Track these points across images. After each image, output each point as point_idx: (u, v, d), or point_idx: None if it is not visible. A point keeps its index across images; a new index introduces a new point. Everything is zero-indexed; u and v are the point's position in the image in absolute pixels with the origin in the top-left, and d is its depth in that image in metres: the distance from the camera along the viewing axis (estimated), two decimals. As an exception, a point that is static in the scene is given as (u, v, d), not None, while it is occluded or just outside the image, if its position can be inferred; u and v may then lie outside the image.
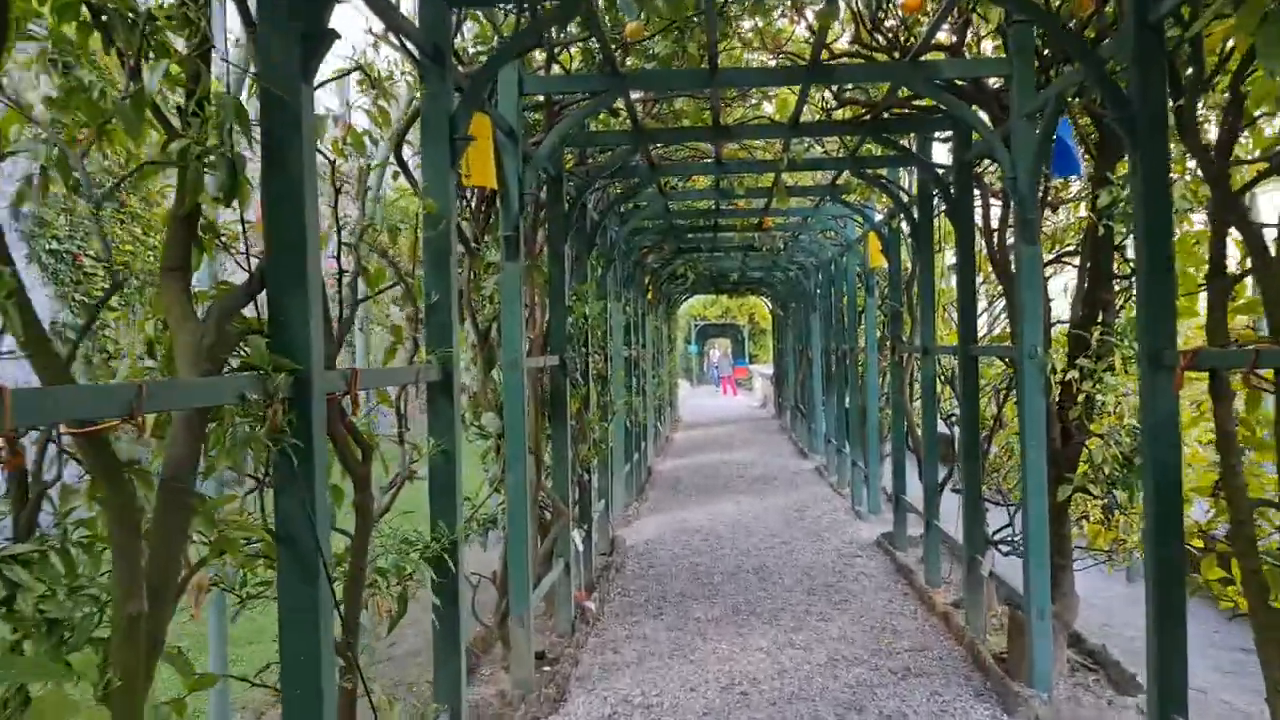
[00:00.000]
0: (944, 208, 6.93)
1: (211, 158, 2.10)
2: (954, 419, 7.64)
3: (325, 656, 2.40)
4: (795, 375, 18.58)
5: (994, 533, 6.26)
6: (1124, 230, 5.04)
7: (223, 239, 2.43)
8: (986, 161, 6.40)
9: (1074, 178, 5.95)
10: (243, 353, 2.25)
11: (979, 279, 6.39)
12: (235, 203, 2.15)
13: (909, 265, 8.64)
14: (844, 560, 8.17)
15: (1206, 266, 3.41)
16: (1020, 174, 4.77)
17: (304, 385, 2.35)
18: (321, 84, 3.04)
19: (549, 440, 6.28)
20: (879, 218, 9.03)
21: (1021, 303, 4.85)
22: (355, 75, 3.59)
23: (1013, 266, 5.69)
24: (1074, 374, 4.85)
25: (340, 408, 2.75)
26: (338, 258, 2.86)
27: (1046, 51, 5.08)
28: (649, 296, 14.18)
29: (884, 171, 7.98)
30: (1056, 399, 5.14)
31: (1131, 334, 4.75)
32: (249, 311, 2.37)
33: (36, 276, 8.76)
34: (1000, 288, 6.95)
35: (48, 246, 8.79)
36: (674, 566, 8.07)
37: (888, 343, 10.37)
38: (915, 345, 8.04)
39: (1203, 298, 3.64)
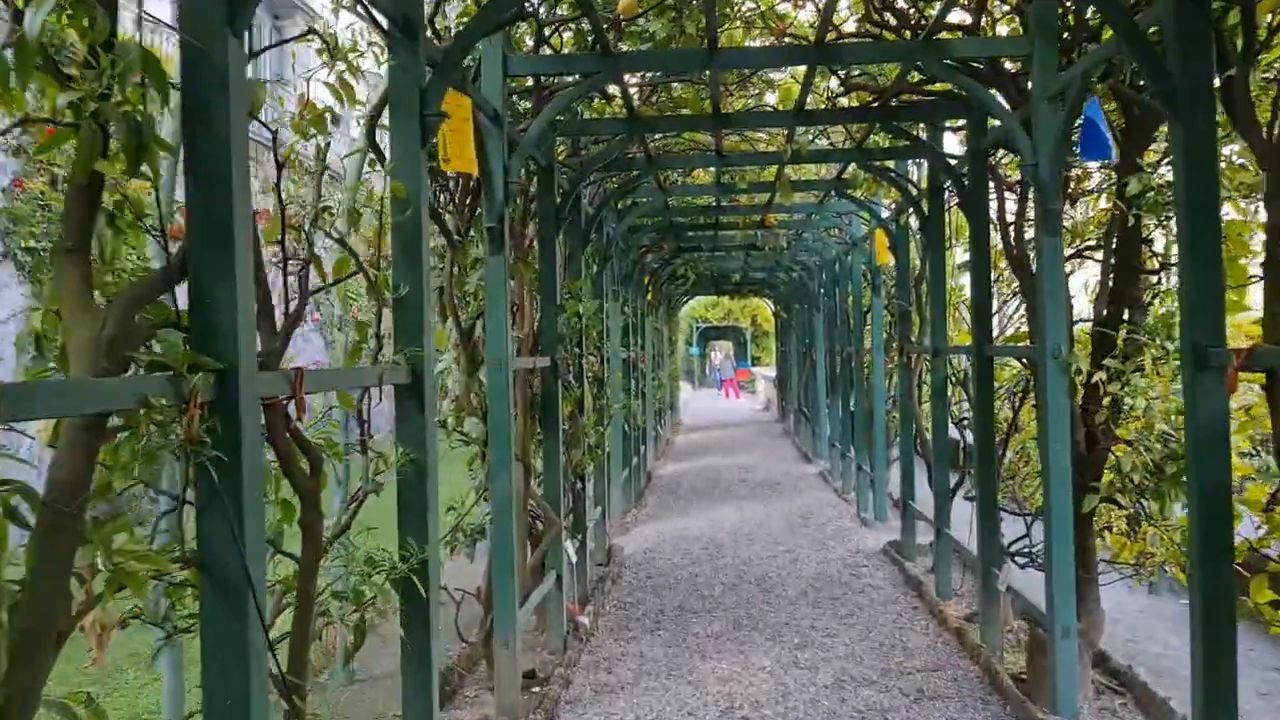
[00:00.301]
0: (956, 200, 6.60)
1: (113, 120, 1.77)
2: (965, 423, 7.31)
3: (256, 700, 2.06)
4: (798, 378, 18.24)
5: (1010, 543, 5.92)
6: (1154, 221, 4.71)
7: (146, 217, 2.09)
8: (1000, 152, 6.07)
9: (1096, 166, 5.64)
10: (154, 349, 1.92)
11: (991, 276, 6.05)
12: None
13: (917, 263, 8.32)
14: (850, 570, 7.83)
15: (1260, 256, 3.08)
16: (1042, 160, 4.44)
17: (230, 388, 2.01)
18: (265, 49, 2.71)
19: (539, 446, 5.95)
20: (886, 214, 8.70)
21: (1043, 299, 4.51)
22: (318, 47, 3.26)
23: (1032, 261, 5.37)
24: (1100, 376, 4.51)
25: (285, 414, 2.42)
26: (281, 243, 2.52)
27: (1066, 35, 4.74)
28: (648, 297, 13.85)
29: (891, 165, 7.64)
30: (1080, 403, 4.80)
31: (1164, 331, 4.41)
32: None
33: (11, 274, 8.44)
34: (1015, 285, 6.62)
35: (23, 244, 8.47)
36: (673, 577, 7.72)
37: (895, 344, 10.03)
38: (925, 346, 7.70)
39: (1255, 292, 3.30)
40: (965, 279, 8.60)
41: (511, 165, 4.65)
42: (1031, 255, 5.50)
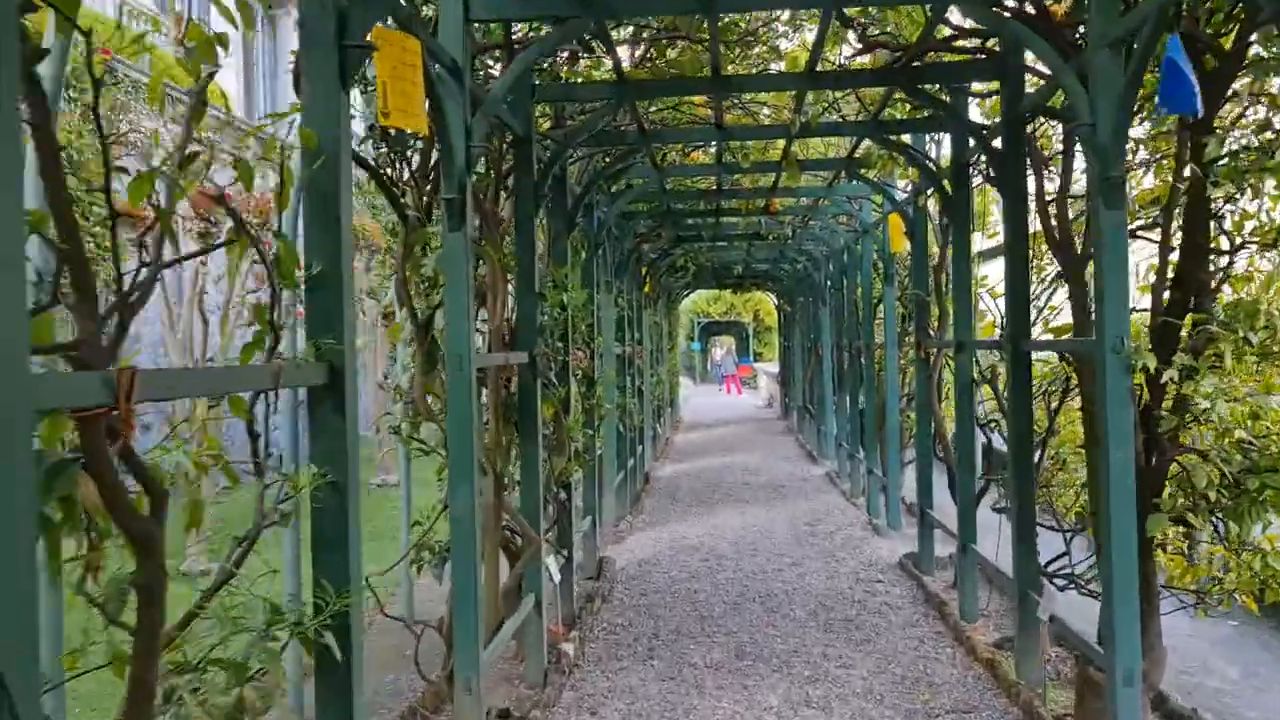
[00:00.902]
0: (985, 177, 5.91)
1: None
2: (992, 424, 6.63)
3: None
4: (803, 374, 17.54)
5: (1046, 563, 5.24)
6: (1228, 192, 4.01)
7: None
8: (1034, 124, 5.37)
9: (1142, 132, 4.95)
10: None
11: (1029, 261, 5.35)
12: None
13: (935, 250, 7.63)
14: (864, 586, 7.14)
15: None
16: (1101, 119, 3.73)
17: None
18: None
19: (517, 453, 5.27)
20: (901, 197, 8.01)
21: (1103, 283, 3.80)
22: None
23: (1077, 242, 4.68)
24: (1171, 373, 3.82)
25: (113, 430, 1.73)
26: (106, 191, 1.83)
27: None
28: (645, 289, 13.16)
29: (909, 139, 6.95)
30: (1141, 405, 4.11)
31: (1247, 321, 3.72)
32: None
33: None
34: (1052, 271, 5.94)
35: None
36: (669, 594, 7.04)
37: (909, 337, 9.34)
38: (946, 340, 7.01)
39: None
40: (987, 267, 7.92)
41: (474, 127, 3.96)
42: (1076, 236, 4.84)
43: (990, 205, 7.26)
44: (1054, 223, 4.78)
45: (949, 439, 7.29)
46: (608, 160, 6.82)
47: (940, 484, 7.36)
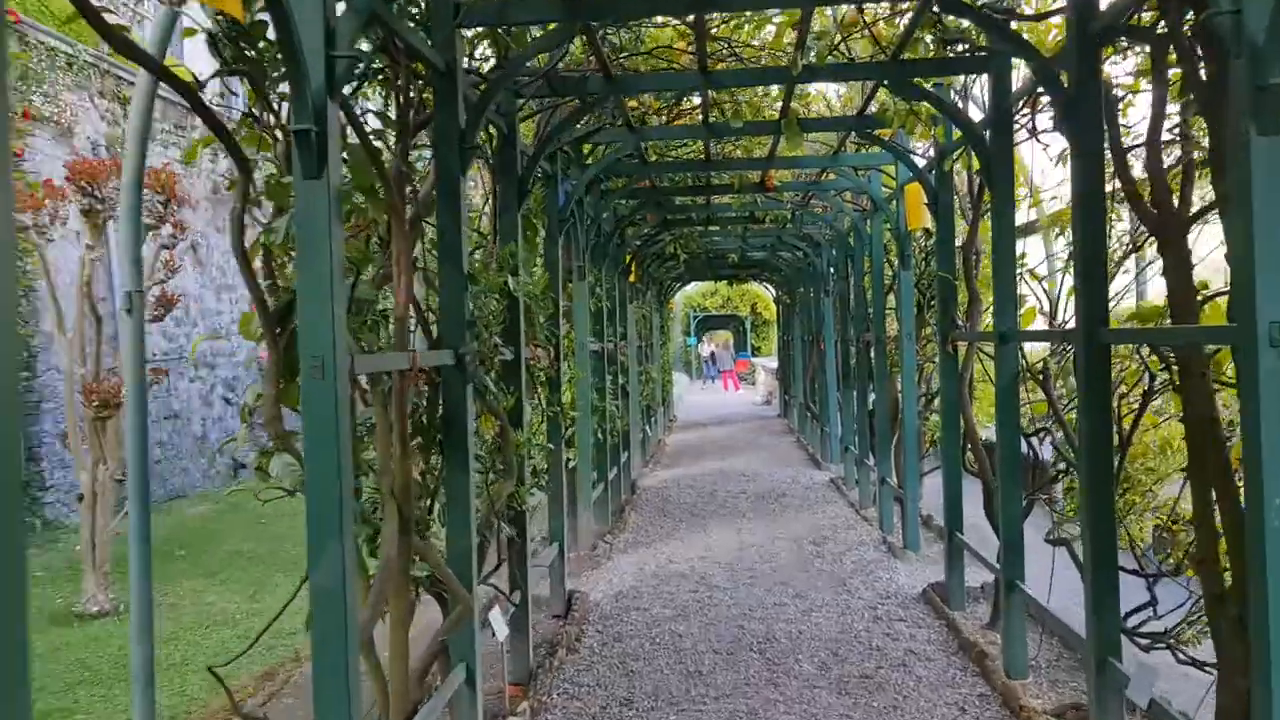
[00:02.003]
0: (1051, 120, 4.73)
1: None
2: (1043, 434, 5.44)
3: None
4: (804, 370, 16.34)
5: (1125, 614, 4.07)
6: None
7: None
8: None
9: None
10: None
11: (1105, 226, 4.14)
12: None
13: (964, 225, 6.45)
14: (883, 627, 5.95)
15: None
16: (1251, 4, 2.54)
17: None
18: None
19: (440, 483, 4.08)
20: (921, 164, 6.81)
21: (1249, 246, 2.60)
22: None
23: (1174, 196, 3.51)
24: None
25: None
26: None
27: None
28: (632, 279, 11.96)
29: (932, 86, 5.74)
30: None
31: None
32: None
33: None
34: (1133, 240, 4.76)
35: None
36: (649, 640, 5.85)
37: (930, 328, 8.15)
38: (981, 331, 5.82)
39: None
40: (1021, 245, 6.76)
41: (341, 28, 2.75)
42: (1174, 190, 3.65)
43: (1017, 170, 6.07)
44: (1148, 175, 3.60)
45: (981, 448, 6.10)
46: (569, 113, 5.59)
47: (973, 502, 6.17)
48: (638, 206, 9.45)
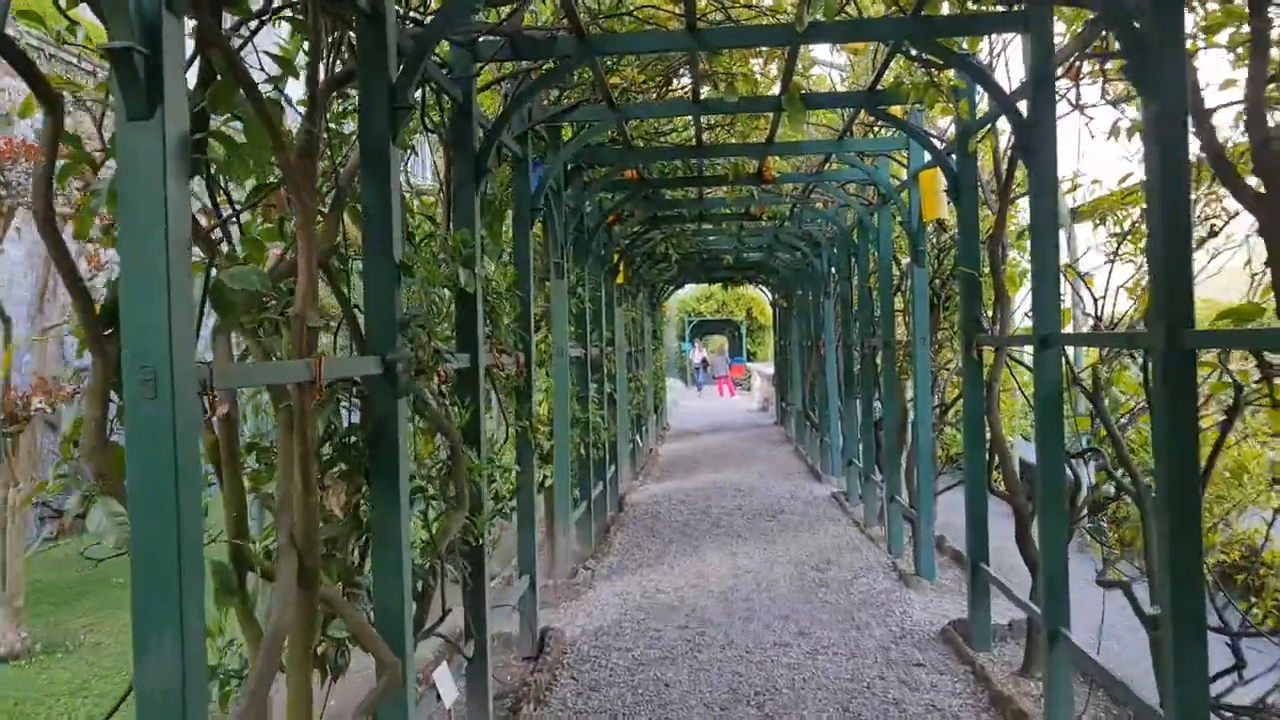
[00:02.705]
0: (1122, 73, 3.99)
1: None
2: (1086, 456, 4.68)
3: None
4: (802, 376, 15.57)
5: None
6: None
7: None
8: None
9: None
10: None
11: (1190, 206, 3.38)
12: None
13: (988, 216, 5.73)
14: (900, 673, 5.19)
15: None
16: None
17: None
18: None
19: (363, 521, 3.32)
20: (936, 145, 6.05)
21: None
22: None
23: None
24: None
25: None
26: None
27: None
28: (620, 280, 11.20)
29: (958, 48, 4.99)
30: None
31: None
32: None
33: None
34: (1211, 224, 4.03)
35: None
36: (631, 690, 5.08)
37: (943, 331, 7.41)
38: (1013, 335, 5.07)
39: None
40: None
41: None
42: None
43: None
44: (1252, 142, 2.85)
45: (1012, 467, 5.35)
46: (536, 77, 4.82)
47: (1000, 529, 5.43)
48: (624, 200, 8.68)
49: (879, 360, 9.34)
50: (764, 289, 22.35)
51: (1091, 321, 4.62)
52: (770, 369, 25.76)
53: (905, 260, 8.48)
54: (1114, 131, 4.30)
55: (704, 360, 37.97)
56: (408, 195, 4.08)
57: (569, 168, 7.53)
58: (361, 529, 3.36)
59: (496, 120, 4.56)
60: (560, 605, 6.72)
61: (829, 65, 8.13)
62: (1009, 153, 5.26)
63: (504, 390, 5.27)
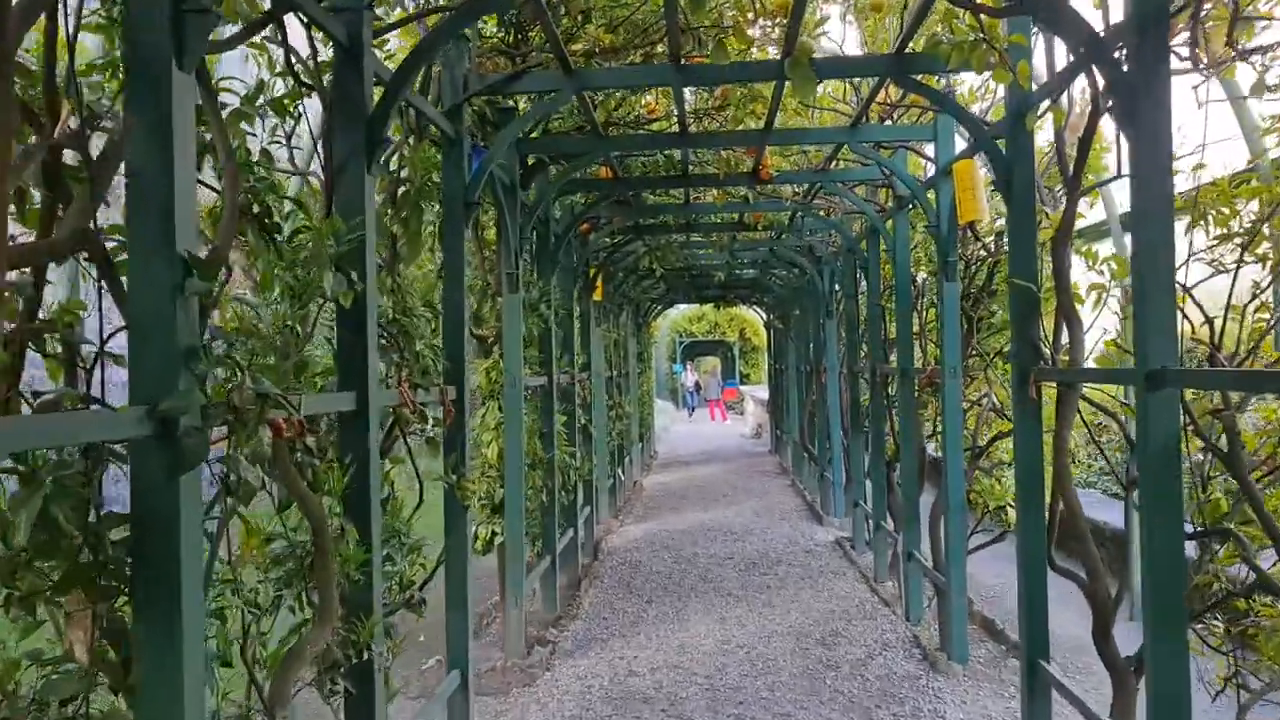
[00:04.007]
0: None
1: None
2: (1220, 536, 3.44)
3: None
4: (800, 404, 14.32)
5: None
6: None
7: None
8: None
9: None
10: None
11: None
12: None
13: (1046, 217, 4.55)
14: (941, 814, 3.93)
15: None
16: None
17: None
18: None
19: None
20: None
21: None
22: None
23: None
24: None
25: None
26: None
27: None
28: (597, 296, 9.97)
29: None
30: None
31: None
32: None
33: None
34: None
35: None
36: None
37: (977, 359, 6.20)
38: (1086, 367, 3.87)
39: None
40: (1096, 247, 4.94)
41: None
42: None
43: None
44: None
45: (1089, 537, 4.11)
46: (457, 15, 3.60)
47: (1066, 611, 4.20)
48: (597, 202, 7.48)
49: (891, 390, 8.13)
50: (758, 309, 21.16)
51: (1208, 354, 3.41)
52: (764, 393, 24.54)
53: (921, 276, 7.29)
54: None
55: (696, 384, 36.71)
56: (259, 164, 2.85)
57: (529, 162, 6.33)
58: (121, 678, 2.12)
59: (399, 71, 3.34)
60: (509, 693, 5.46)
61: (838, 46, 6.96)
62: (1077, 128, 4.09)
63: (421, 437, 4.02)
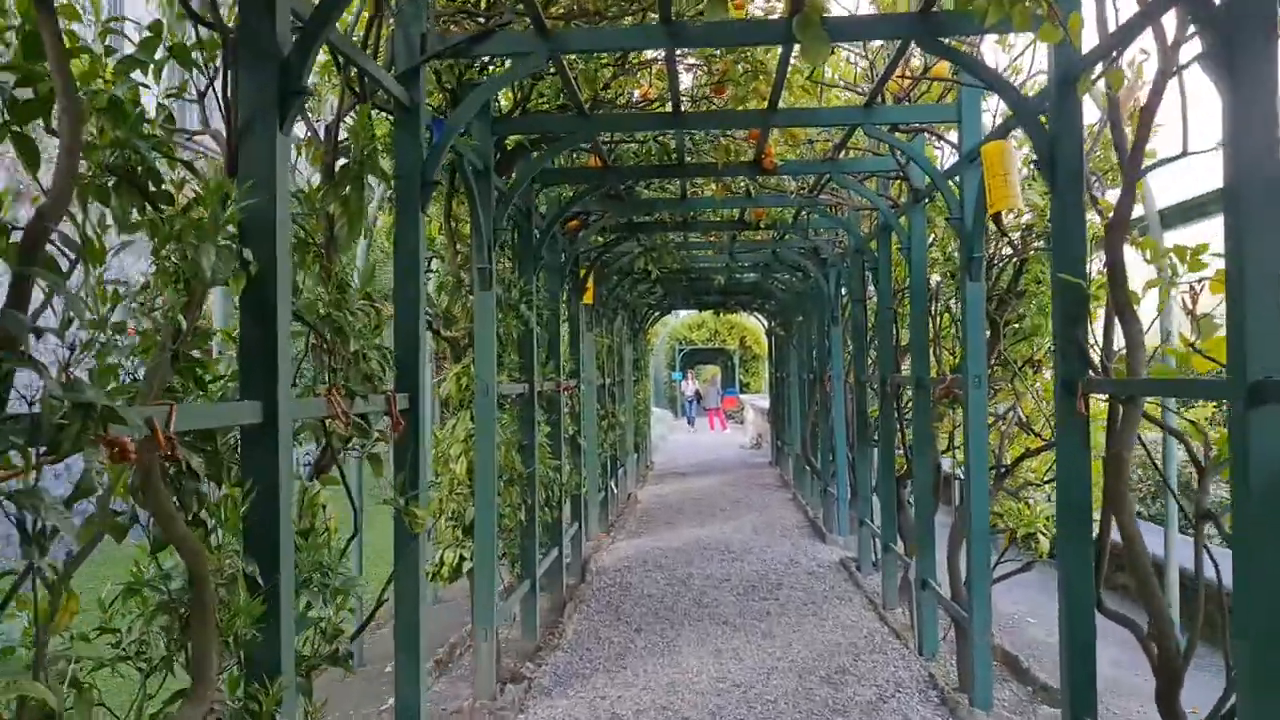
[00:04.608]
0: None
1: None
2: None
3: None
4: (802, 414, 13.69)
5: None
6: None
7: None
8: None
9: None
10: None
11: None
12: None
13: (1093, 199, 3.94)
14: None
15: None
16: None
17: None
18: None
19: None
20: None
21: None
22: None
23: None
24: None
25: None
26: None
27: None
28: (587, 299, 9.36)
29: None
30: None
31: None
32: None
33: None
34: None
35: None
36: None
37: (1001, 368, 5.60)
38: (1149, 376, 3.26)
39: None
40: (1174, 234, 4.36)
41: None
42: None
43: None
44: None
45: (1149, 572, 3.49)
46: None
47: (1112, 653, 3.57)
48: (585, 193, 6.88)
49: (902, 401, 7.53)
50: (759, 316, 20.55)
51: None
52: (764, 402, 23.92)
53: (934, 278, 6.67)
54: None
55: (697, 393, 36.03)
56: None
57: (507, 147, 5.74)
58: None
59: (322, 5, 2.73)
60: (477, 741, 4.84)
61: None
62: (1128, 100, 3.51)
63: (362, 453, 3.41)
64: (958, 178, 5.23)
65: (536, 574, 6.53)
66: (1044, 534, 5.03)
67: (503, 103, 5.55)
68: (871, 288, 8.77)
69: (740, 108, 5.39)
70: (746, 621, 7.10)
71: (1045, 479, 5.46)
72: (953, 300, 6.73)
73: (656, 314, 19.55)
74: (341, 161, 3.34)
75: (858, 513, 9.11)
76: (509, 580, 6.57)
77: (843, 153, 6.40)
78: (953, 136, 5.59)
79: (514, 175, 5.65)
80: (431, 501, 5.29)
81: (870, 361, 8.83)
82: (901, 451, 7.46)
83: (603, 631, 6.88)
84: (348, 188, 3.29)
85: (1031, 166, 4.87)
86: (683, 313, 34.80)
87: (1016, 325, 5.39)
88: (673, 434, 29.82)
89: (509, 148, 5.79)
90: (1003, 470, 5.51)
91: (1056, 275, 3.66)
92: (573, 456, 8.68)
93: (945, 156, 6.22)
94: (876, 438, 8.49)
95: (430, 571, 5.18)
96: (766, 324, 20.13)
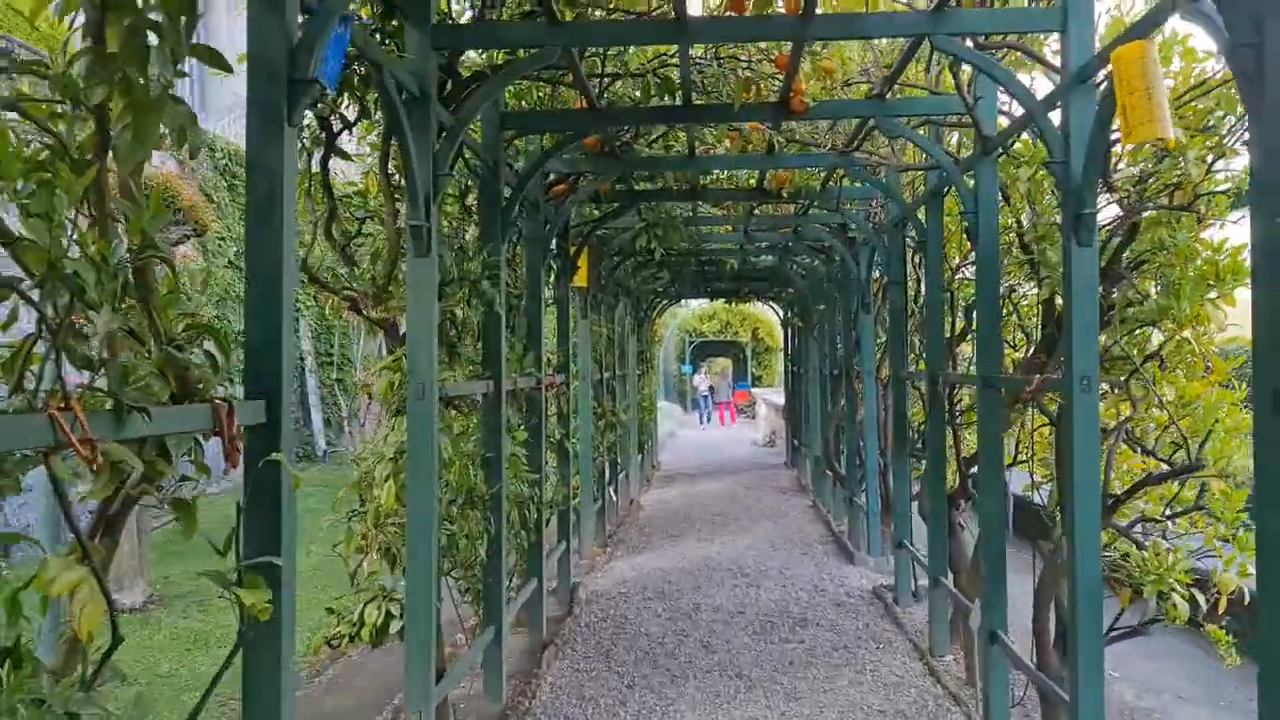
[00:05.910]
0: None
1: None
2: None
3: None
4: (824, 415, 12.31)
5: None
6: None
7: None
8: None
9: None
10: None
11: None
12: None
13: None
14: None
15: None
16: None
17: None
18: None
19: None
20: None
21: None
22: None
23: None
24: None
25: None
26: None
27: None
28: (581, 281, 8.02)
29: None
30: None
31: None
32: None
33: None
34: None
35: None
36: None
37: (1115, 368, 4.25)
38: None
39: None
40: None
41: None
42: None
43: None
44: None
45: None
46: None
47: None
48: (569, 140, 5.54)
49: (957, 403, 6.21)
50: (774, 305, 19.15)
51: None
52: (778, 397, 22.52)
53: (1013, 249, 5.32)
54: None
55: (710, 388, 34.57)
56: None
57: (461, 73, 4.43)
58: None
59: None
60: None
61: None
62: None
63: (162, 497, 2.11)
64: (1057, 109, 3.88)
65: (504, 618, 5.21)
66: (1178, 592, 3.69)
67: (454, 6, 4.24)
68: (911, 268, 7.45)
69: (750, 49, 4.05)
70: (765, 674, 5.78)
71: (1171, 513, 4.12)
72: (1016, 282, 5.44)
73: (664, 303, 18.20)
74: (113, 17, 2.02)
75: (895, 532, 7.76)
76: (473, 621, 5.31)
77: (891, 91, 5.06)
78: (1046, 57, 4.24)
79: (462, 106, 4.31)
80: (352, 537, 4.00)
81: (912, 355, 7.51)
82: (955, 464, 6.16)
83: (587, 687, 5.57)
84: (123, 58, 1.98)
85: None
86: (693, 303, 33.44)
87: (1138, 308, 4.03)
88: (681, 429, 28.48)
89: (466, 76, 4.48)
90: (1109, 501, 4.16)
91: (1262, 225, 2.32)
92: (560, 466, 7.39)
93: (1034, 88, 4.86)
94: (921, 445, 7.18)
95: (346, 633, 3.87)
96: (783, 314, 18.75)
